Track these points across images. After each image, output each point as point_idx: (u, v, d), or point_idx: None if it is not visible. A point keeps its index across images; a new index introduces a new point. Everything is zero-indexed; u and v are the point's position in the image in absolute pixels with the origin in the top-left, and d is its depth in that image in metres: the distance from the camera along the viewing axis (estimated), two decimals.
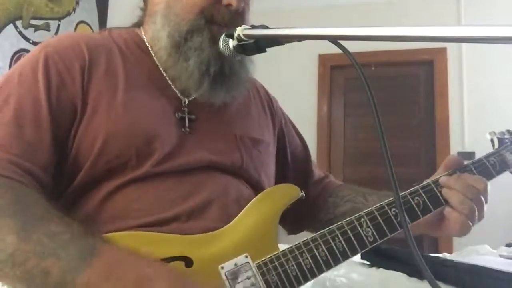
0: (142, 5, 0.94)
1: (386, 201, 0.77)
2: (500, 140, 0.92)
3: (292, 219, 0.95)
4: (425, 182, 0.81)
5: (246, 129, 0.90)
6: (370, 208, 0.76)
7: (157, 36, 0.84)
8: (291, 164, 1.04)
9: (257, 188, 0.85)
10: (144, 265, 0.60)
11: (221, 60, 0.81)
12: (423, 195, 0.79)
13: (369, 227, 0.74)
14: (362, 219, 0.75)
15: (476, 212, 0.77)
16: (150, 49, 0.87)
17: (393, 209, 0.76)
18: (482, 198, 0.78)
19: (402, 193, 0.78)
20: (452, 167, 0.83)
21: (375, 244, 0.74)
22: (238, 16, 0.83)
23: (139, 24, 0.93)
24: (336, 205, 0.97)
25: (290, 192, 0.81)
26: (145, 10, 0.92)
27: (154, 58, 0.86)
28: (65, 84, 0.75)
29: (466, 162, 0.85)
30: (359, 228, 0.74)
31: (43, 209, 0.64)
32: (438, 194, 0.79)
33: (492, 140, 0.93)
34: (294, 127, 1.09)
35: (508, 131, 0.94)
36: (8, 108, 0.71)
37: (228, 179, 0.82)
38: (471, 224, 0.77)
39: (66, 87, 0.75)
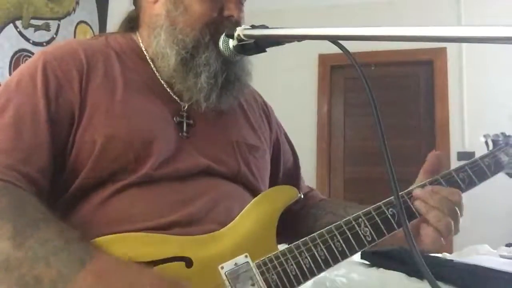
0: (134, 8, 0.93)
1: (383, 201, 0.77)
2: (494, 142, 0.93)
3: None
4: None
5: (243, 136, 0.90)
6: (367, 208, 0.77)
7: (162, 52, 0.84)
8: (282, 176, 1.04)
9: (255, 193, 0.85)
10: (135, 272, 0.60)
11: (227, 70, 0.83)
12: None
13: (367, 226, 0.75)
14: (360, 219, 0.75)
15: (452, 227, 0.75)
16: (147, 57, 0.87)
17: (390, 209, 0.76)
18: (457, 210, 0.76)
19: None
20: (432, 169, 0.82)
21: (373, 244, 0.75)
22: (238, 25, 0.83)
23: (132, 27, 0.92)
24: (317, 218, 0.97)
25: (288, 193, 0.82)
26: (139, 16, 0.91)
27: (152, 65, 0.86)
28: (63, 90, 0.75)
29: (461, 163, 0.86)
30: (357, 228, 0.75)
31: (39, 213, 0.64)
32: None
33: (486, 142, 0.94)
34: (287, 138, 1.10)
35: (502, 133, 0.95)
36: (7, 113, 0.72)
37: (227, 184, 0.83)
38: (443, 240, 0.76)
39: (64, 93, 0.75)
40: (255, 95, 1.05)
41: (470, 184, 0.83)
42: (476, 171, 0.85)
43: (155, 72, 0.86)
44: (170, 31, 0.83)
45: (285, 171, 1.05)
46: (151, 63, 0.86)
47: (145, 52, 0.88)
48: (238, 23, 0.84)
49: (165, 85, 0.85)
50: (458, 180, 0.83)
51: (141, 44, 0.88)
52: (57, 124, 0.74)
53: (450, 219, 0.75)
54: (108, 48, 0.86)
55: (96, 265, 0.59)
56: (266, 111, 1.05)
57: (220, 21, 0.83)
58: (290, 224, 0.97)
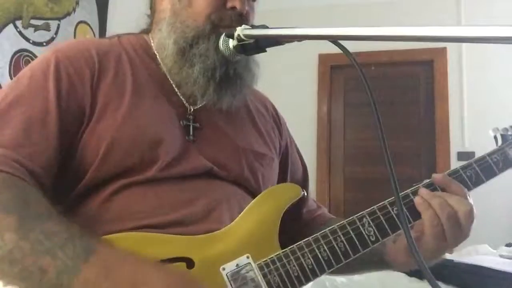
0: (149, 13, 0.94)
1: (388, 200, 0.76)
2: (504, 137, 0.89)
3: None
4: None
5: (250, 142, 0.90)
6: (372, 208, 0.76)
7: (163, 43, 0.85)
8: None
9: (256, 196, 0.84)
10: (141, 266, 0.60)
11: (226, 64, 0.82)
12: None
13: (371, 226, 0.74)
14: (364, 219, 0.75)
15: (447, 234, 0.73)
16: (157, 56, 0.87)
17: (395, 208, 0.75)
18: (459, 219, 0.73)
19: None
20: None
21: (377, 244, 0.74)
22: (242, 19, 0.83)
23: (147, 31, 0.93)
24: None
25: (291, 192, 0.81)
26: (153, 18, 0.92)
27: (161, 65, 0.86)
28: (75, 89, 0.76)
29: (461, 164, 0.83)
30: (361, 228, 0.74)
31: (43, 207, 0.64)
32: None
33: (495, 137, 0.90)
34: (297, 150, 1.08)
35: (511, 127, 0.91)
36: (17, 109, 0.72)
37: (229, 186, 0.82)
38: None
39: (75, 91, 0.76)
40: (266, 103, 1.04)
41: (477, 182, 0.81)
42: (484, 168, 0.83)
43: (164, 71, 0.86)
44: (172, 22, 0.84)
45: (293, 182, 1.02)
46: (160, 62, 0.86)
47: (154, 50, 0.88)
48: (243, 16, 0.83)
49: (173, 85, 0.85)
50: (465, 178, 0.81)
51: (152, 44, 0.89)
52: (67, 122, 0.74)
53: (445, 227, 0.73)
54: (120, 48, 0.86)
55: (102, 257, 0.60)
56: (277, 121, 1.03)
57: (223, 13, 0.83)
58: (296, 239, 0.96)
